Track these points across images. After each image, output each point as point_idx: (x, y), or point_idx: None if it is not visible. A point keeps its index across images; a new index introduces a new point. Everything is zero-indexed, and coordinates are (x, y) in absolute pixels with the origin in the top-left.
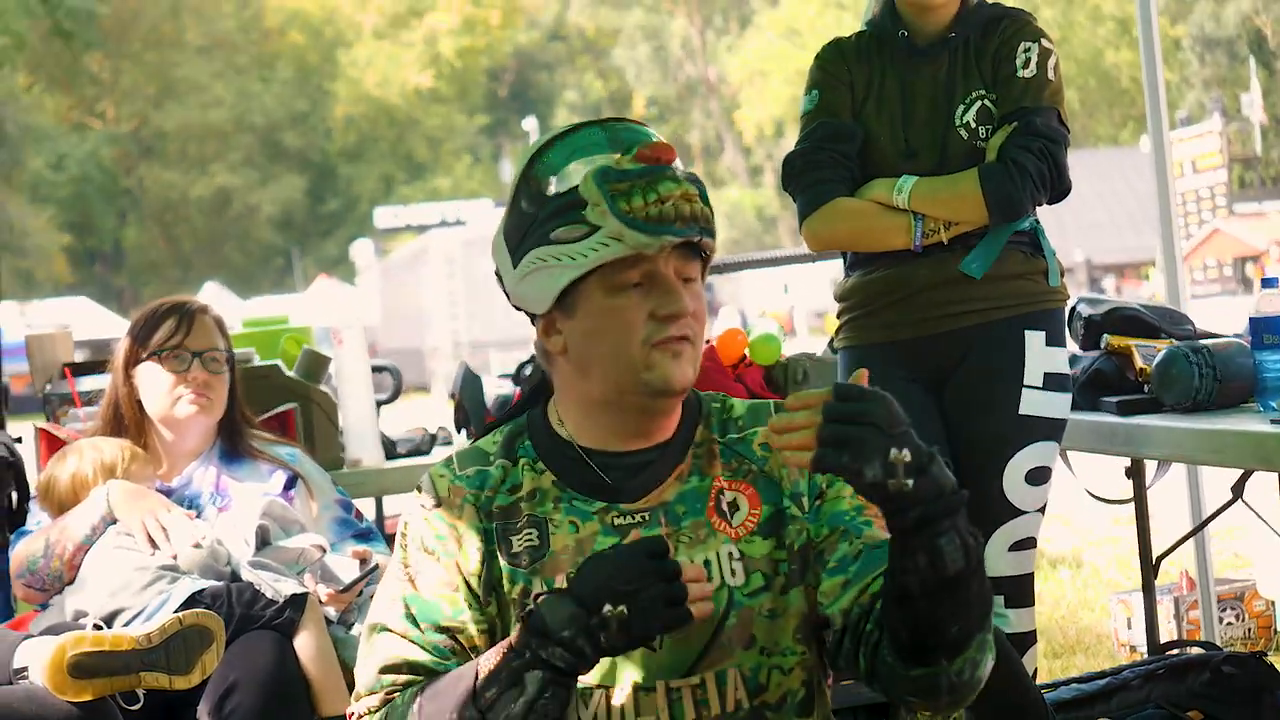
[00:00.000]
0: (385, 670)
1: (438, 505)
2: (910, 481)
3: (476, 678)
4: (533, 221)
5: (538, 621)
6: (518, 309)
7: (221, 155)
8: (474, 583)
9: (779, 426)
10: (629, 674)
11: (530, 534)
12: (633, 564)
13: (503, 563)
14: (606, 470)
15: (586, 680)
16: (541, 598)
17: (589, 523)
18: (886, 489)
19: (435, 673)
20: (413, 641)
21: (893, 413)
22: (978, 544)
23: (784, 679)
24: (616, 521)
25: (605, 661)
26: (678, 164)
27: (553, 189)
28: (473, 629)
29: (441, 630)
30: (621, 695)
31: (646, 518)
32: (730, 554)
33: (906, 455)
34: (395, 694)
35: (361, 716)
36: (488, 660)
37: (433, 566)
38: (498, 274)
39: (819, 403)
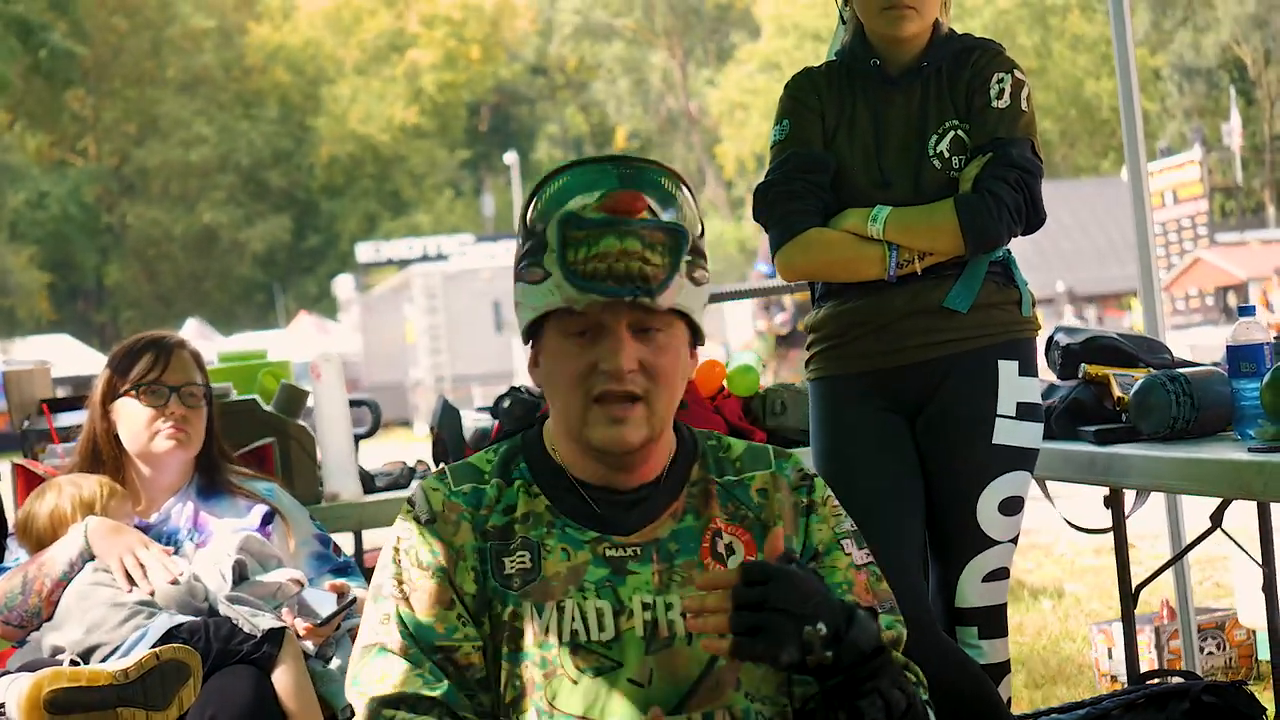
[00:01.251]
0: (385, 703)
1: (432, 520)
2: (829, 654)
3: None
4: (521, 255)
5: None
6: None
7: (204, 193)
8: (468, 601)
9: (693, 608)
10: (617, 709)
11: (524, 556)
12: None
13: (496, 583)
14: (599, 503)
15: (569, 709)
16: None
17: (581, 551)
18: (806, 665)
19: (434, 703)
20: (411, 664)
21: (801, 589)
22: (904, 696)
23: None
24: (609, 553)
25: (587, 693)
26: (649, 214)
27: (533, 225)
28: (467, 647)
29: (436, 650)
30: None
31: (639, 552)
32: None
33: (822, 629)
34: None
35: None
36: None
37: (425, 583)
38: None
39: (728, 585)
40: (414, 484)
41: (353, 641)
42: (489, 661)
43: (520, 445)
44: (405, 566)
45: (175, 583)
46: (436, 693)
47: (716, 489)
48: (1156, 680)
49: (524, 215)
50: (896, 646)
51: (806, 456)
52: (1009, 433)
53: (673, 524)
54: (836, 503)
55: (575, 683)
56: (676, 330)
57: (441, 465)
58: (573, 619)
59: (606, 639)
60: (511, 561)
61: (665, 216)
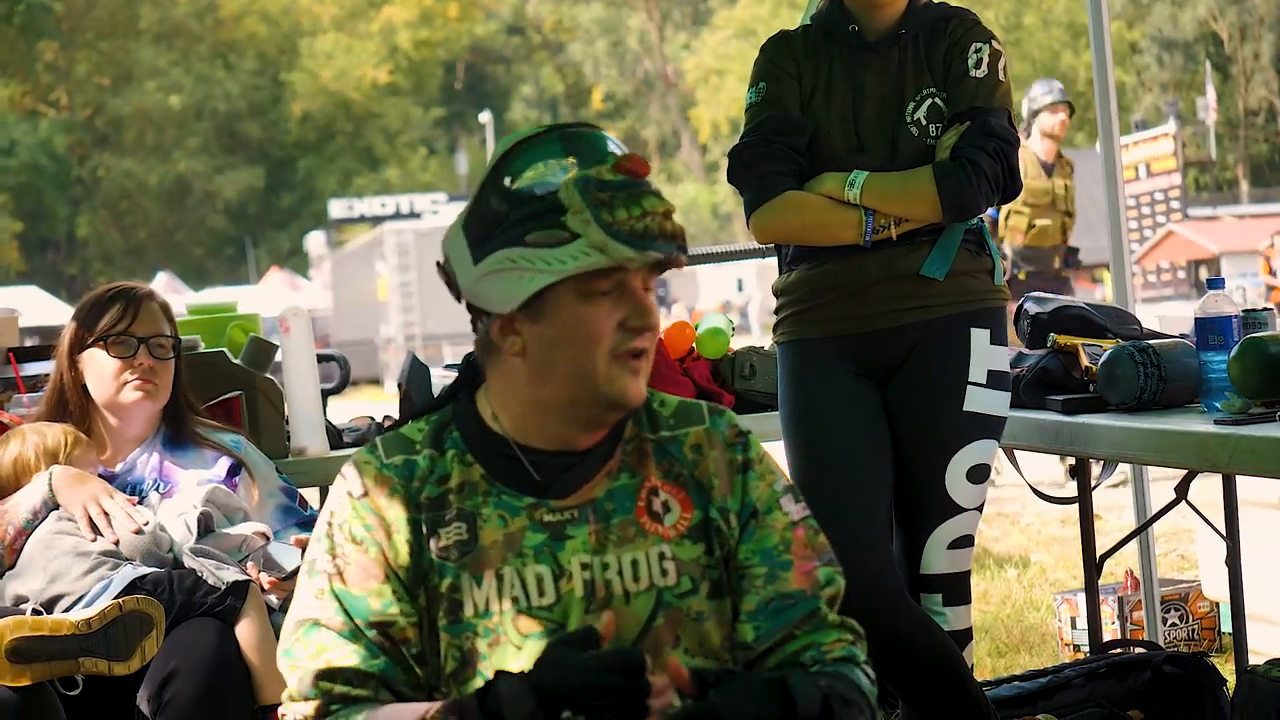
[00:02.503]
0: (321, 676)
1: (365, 495)
2: None
3: None
4: (502, 221)
5: (494, 705)
6: (467, 304)
7: (179, 142)
8: (403, 574)
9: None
10: None
11: (459, 527)
12: (607, 681)
13: (432, 555)
14: (536, 467)
15: (516, 667)
16: (501, 679)
17: (518, 518)
18: None
19: (369, 676)
20: (347, 639)
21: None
22: None
23: None
24: (545, 518)
25: (532, 656)
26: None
27: (527, 191)
28: (403, 621)
29: (372, 626)
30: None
31: (576, 514)
32: (661, 554)
33: None
34: (334, 706)
35: None
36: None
37: (360, 558)
38: (442, 266)
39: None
40: (348, 464)
41: None
42: (425, 634)
43: (451, 415)
44: (339, 541)
45: (139, 533)
46: (374, 668)
47: (651, 446)
48: (1119, 650)
49: (497, 182)
50: (835, 602)
51: (775, 420)
52: (979, 400)
53: (608, 483)
54: (771, 459)
55: (519, 648)
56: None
57: (375, 438)
58: (512, 586)
59: (548, 603)
60: (447, 533)
61: None
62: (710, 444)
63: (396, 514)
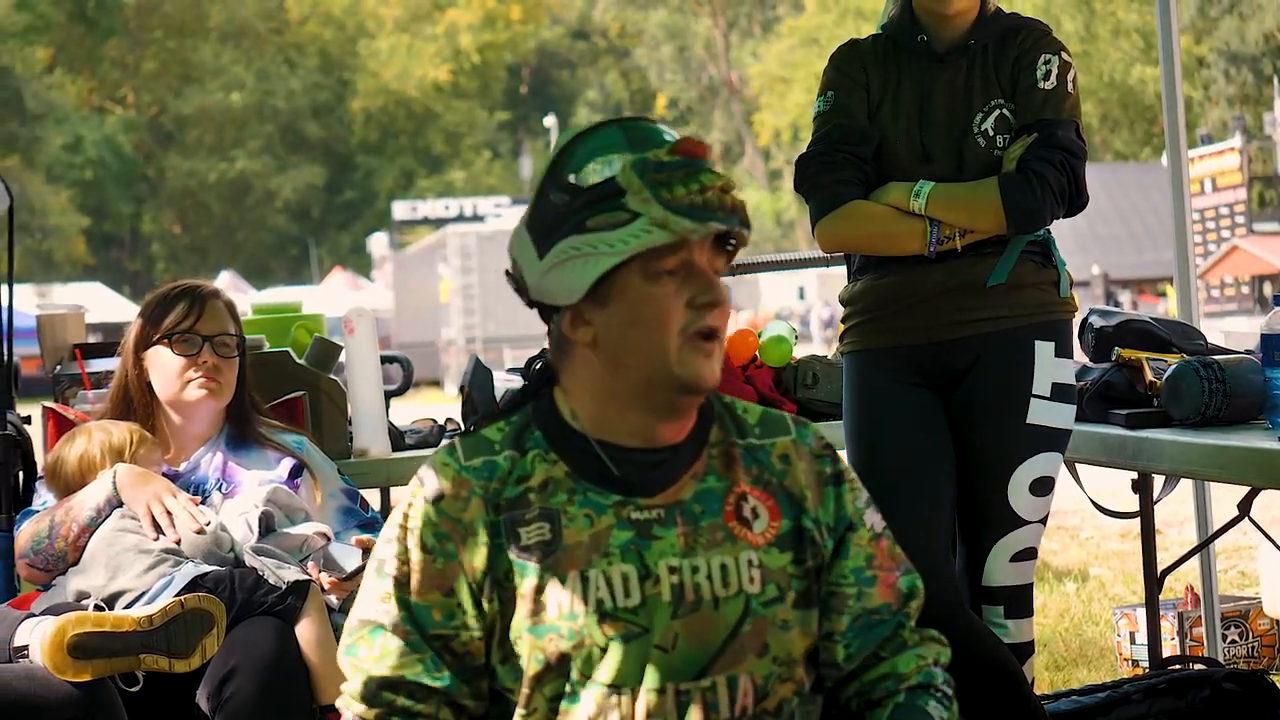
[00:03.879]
0: (384, 685)
1: (439, 499)
2: None
3: None
4: (565, 212)
5: None
6: (534, 304)
7: (241, 142)
8: (475, 582)
9: None
10: (641, 675)
11: (542, 527)
12: None
13: (513, 556)
14: (619, 464)
15: (600, 679)
16: None
17: (604, 516)
18: None
19: (433, 692)
20: (411, 649)
21: None
22: None
23: (781, 687)
24: (633, 516)
25: (616, 661)
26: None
27: (586, 180)
28: (465, 636)
29: (436, 639)
30: (631, 696)
31: (663, 514)
32: (750, 561)
33: None
34: (394, 718)
35: None
36: None
37: (428, 567)
38: (509, 273)
39: None
40: (426, 465)
41: None
42: (495, 641)
43: (532, 415)
44: (410, 546)
45: (201, 532)
46: (438, 683)
47: (739, 451)
48: (1178, 666)
49: (557, 176)
50: (917, 612)
51: (837, 430)
52: (1043, 413)
53: (695, 485)
54: (854, 474)
55: (604, 650)
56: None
57: (451, 439)
58: (598, 587)
59: (633, 604)
60: (529, 533)
61: None
62: (798, 455)
63: (474, 517)
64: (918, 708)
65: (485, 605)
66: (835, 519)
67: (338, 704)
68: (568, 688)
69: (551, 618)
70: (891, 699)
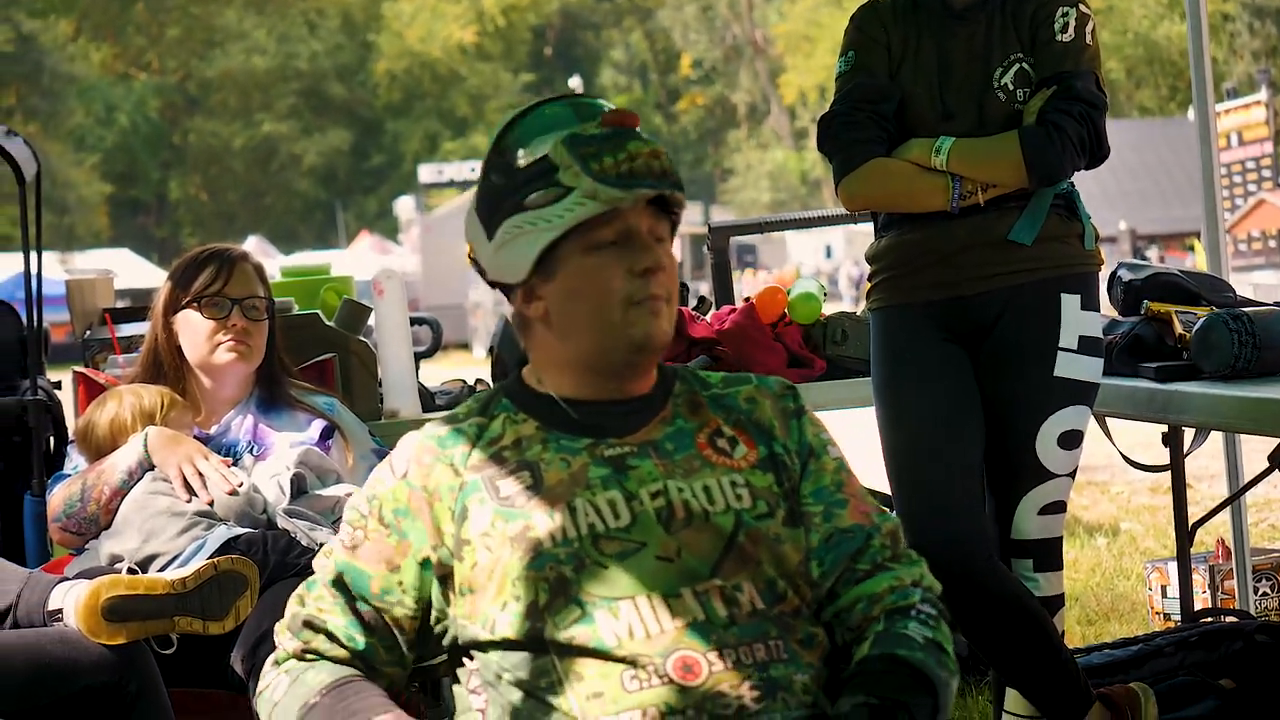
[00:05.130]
0: (309, 625)
1: (405, 474)
2: None
3: None
4: (505, 192)
5: None
6: (494, 285)
7: (266, 105)
8: (437, 547)
9: None
10: (653, 584)
11: (522, 474)
12: None
13: (496, 507)
14: (587, 415)
15: (608, 593)
16: None
17: (579, 457)
18: None
19: (349, 648)
20: (342, 607)
21: None
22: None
23: (794, 595)
24: (606, 453)
25: (621, 575)
26: (641, 130)
27: (522, 161)
28: (396, 612)
29: (367, 602)
30: (649, 603)
31: (636, 449)
32: (734, 481)
33: None
34: (309, 655)
35: (275, 659)
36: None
37: (380, 539)
38: (470, 257)
39: None
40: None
41: None
42: (505, 583)
43: (497, 388)
44: (367, 515)
45: (234, 494)
46: (353, 646)
47: (705, 399)
48: (1210, 619)
49: (497, 158)
50: (895, 539)
51: (866, 386)
52: (1070, 365)
53: (664, 427)
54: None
55: (605, 568)
56: (670, 242)
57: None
58: (586, 514)
59: (624, 524)
60: (509, 484)
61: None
62: (762, 395)
63: (437, 482)
64: (897, 634)
65: (442, 565)
66: (799, 445)
67: (275, 631)
68: (578, 612)
69: (547, 548)
70: (870, 626)
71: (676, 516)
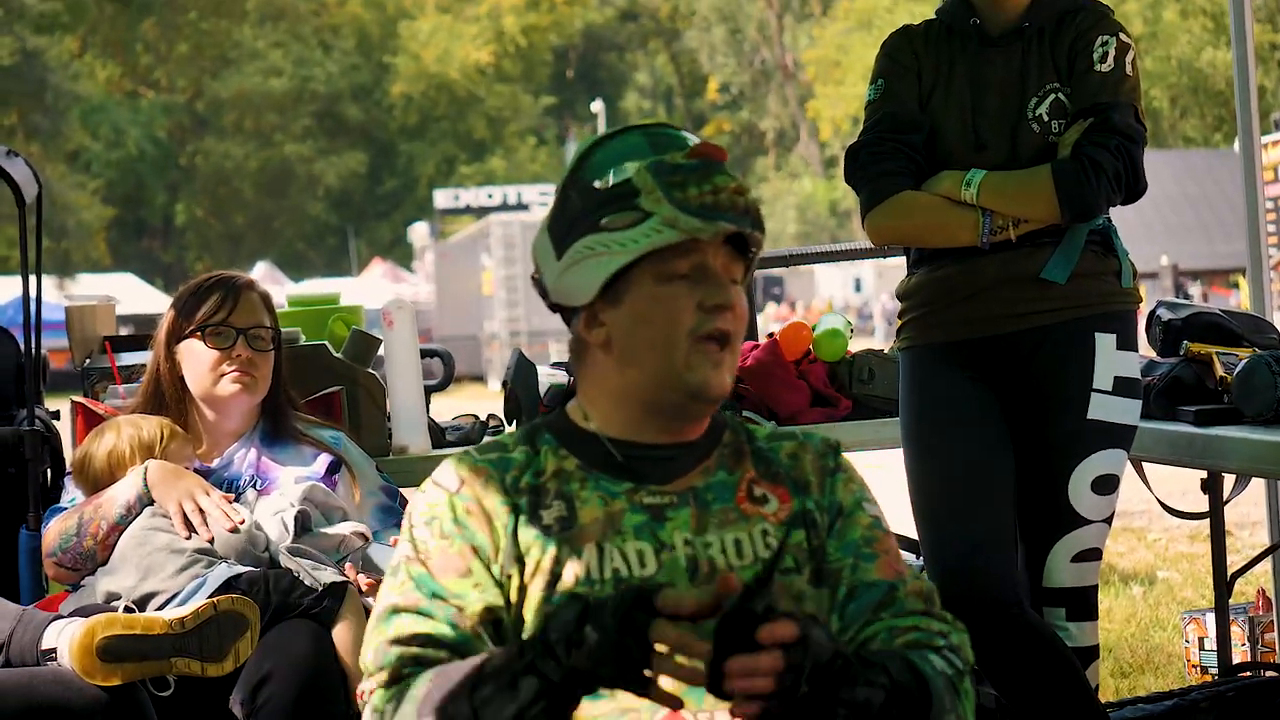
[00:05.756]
0: (396, 642)
1: (460, 486)
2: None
3: (482, 669)
4: (582, 212)
5: (544, 620)
6: (555, 308)
7: (281, 127)
8: (495, 560)
9: (742, 667)
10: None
11: (560, 505)
12: (634, 617)
13: (534, 532)
14: (630, 459)
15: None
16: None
17: (617, 500)
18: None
19: (445, 643)
20: (423, 613)
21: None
22: (880, 687)
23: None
24: (646, 500)
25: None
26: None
27: (603, 183)
28: (479, 607)
29: (445, 604)
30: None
31: (675, 499)
32: (765, 532)
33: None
34: (406, 670)
35: (372, 693)
36: (497, 655)
37: (445, 549)
38: (534, 278)
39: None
40: (439, 469)
41: None
42: (514, 621)
43: (542, 422)
44: (423, 538)
45: (235, 531)
46: (448, 639)
47: (749, 449)
48: (1249, 674)
49: (577, 178)
50: (926, 598)
51: (894, 427)
52: (1105, 408)
53: (705, 477)
54: (858, 472)
55: None
56: (741, 286)
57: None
58: (613, 558)
59: (650, 573)
60: (548, 514)
61: None
62: (804, 451)
63: (493, 501)
64: (913, 655)
65: (505, 581)
66: (830, 501)
67: (358, 690)
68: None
69: (567, 584)
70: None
71: (701, 571)
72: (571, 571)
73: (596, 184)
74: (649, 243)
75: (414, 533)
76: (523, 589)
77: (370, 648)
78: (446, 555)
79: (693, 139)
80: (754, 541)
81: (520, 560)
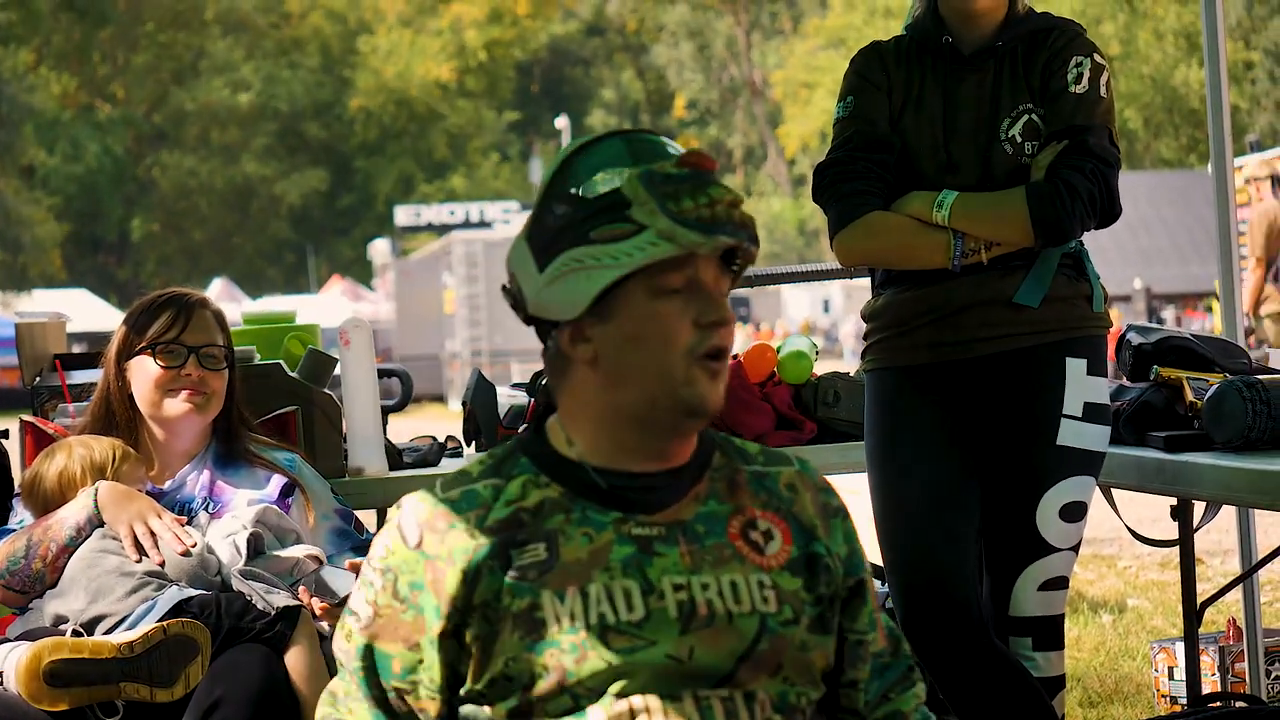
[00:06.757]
0: (330, 692)
1: (419, 544)
2: None
3: None
4: (568, 223)
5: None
6: (532, 320)
7: (242, 143)
8: (456, 605)
9: None
10: (653, 684)
11: (536, 549)
12: None
13: (508, 579)
14: (617, 489)
15: (605, 689)
16: None
17: (604, 533)
18: None
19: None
20: (365, 699)
21: None
22: None
23: (797, 707)
24: (634, 531)
25: (628, 673)
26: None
27: (590, 192)
28: (421, 692)
29: (393, 689)
30: (645, 703)
31: (664, 532)
32: (761, 582)
33: None
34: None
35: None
36: None
37: (395, 616)
38: (507, 288)
39: None
40: (404, 502)
41: None
42: (487, 666)
43: (516, 445)
44: (381, 589)
45: (187, 554)
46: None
47: (745, 477)
48: (1219, 704)
49: (559, 187)
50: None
51: (859, 451)
52: (1075, 434)
53: (696, 506)
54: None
55: (610, 664)
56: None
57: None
58: (599, 601)
59: (637, 619)
60: (522, 555)
61: None
62: (804, 485)
63: (453, 548)
64: None
65: (464, 638)
66: (848, 554)
67: None
68: (570, 704)
69: (551, 634)
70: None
71: (699, 614)
72: (554, 619)
73: (582, 193)
74: (644, 256)
75: (376, 577)
76: (491, 641)
77: (323, 703)
78: (396, 621)
79: (676, 147)
80: (750, 589)
81: (488, 608)
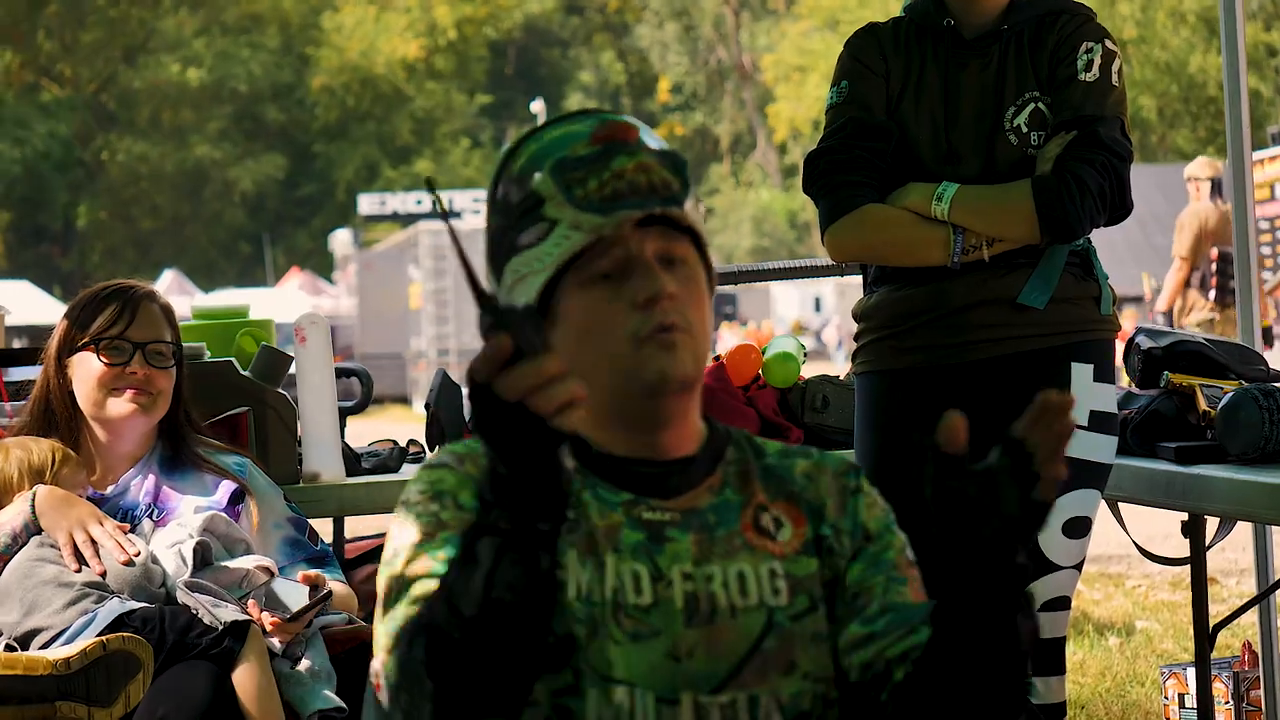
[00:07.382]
0: (412, 603)
1: (466, 470)
2: None
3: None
4: (501, 234)
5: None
6: None
7: (195, 127)
8: None
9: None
10: (653, 682)
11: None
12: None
13: None
14: (630, 470)
15: (608, 672)
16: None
17: (614, 513)
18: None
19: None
20: (437, 575)
21: None
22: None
23: (812, 707)
24: (644, 515)
25: (627, 658)
26: (649, 140)
27: (514, 198)
28: None
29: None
30: (643, 700)
31: (678, 518)
32: (772, 571)
33: None
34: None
35: (383, 664)
36: None
37: (463, 520)
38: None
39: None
40: (424, 468)
41: (325, 641)
42: None
43: None
44: (441, 508)
45: (130, 563)
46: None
47: (756, 470)
48: None
49: (495, 193)
50: None
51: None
52: (1079, 445)
53: (711, 497)
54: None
55: (618, 644)
56: (694, 262)
57: (442, 451)
58: (613, 575)
59: (646, 603)
60: None
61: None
62: (820, 471)
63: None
64: None
65: None
66: (852, 526)
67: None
68: (571, 680)
69: (569, 597)
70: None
71: (700, 609)
72: (574, 581)
73: (509, 199)
74: (560, 253)
75: (422, 509)
76: None
77: (382, 630)
78: (462, 520)
79: (597, 122)
80: (760, 580)
81: None
